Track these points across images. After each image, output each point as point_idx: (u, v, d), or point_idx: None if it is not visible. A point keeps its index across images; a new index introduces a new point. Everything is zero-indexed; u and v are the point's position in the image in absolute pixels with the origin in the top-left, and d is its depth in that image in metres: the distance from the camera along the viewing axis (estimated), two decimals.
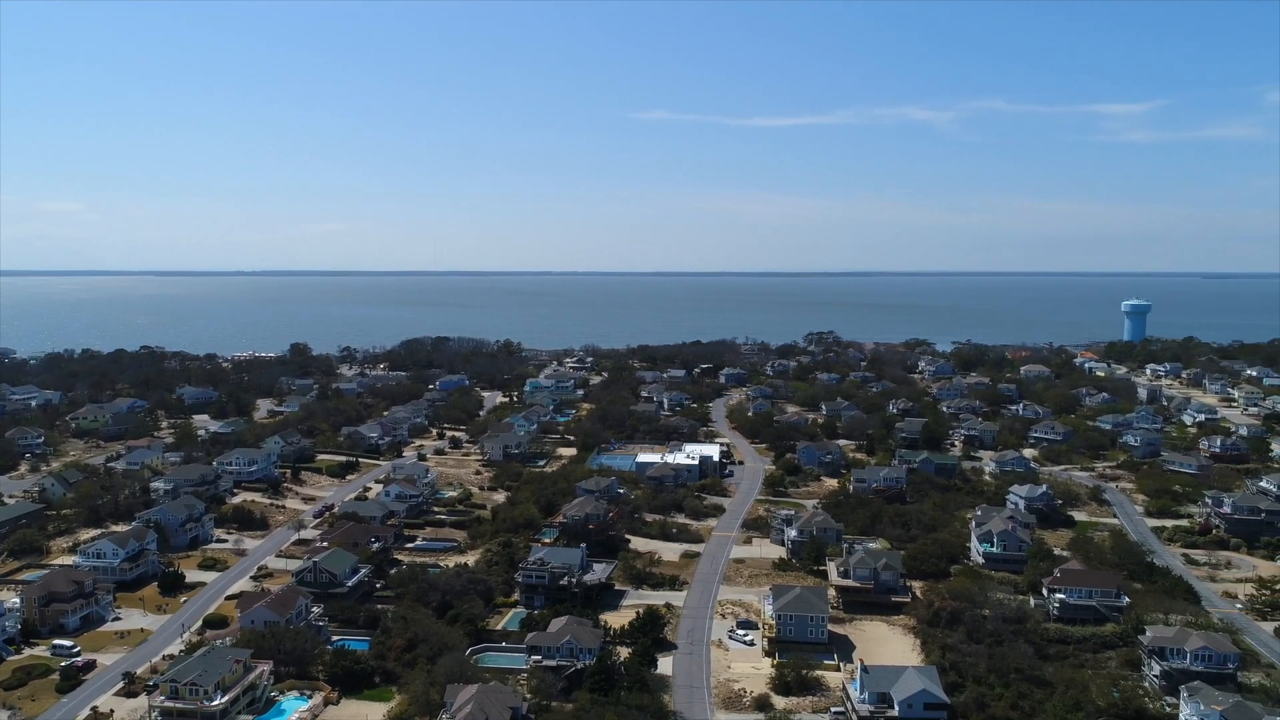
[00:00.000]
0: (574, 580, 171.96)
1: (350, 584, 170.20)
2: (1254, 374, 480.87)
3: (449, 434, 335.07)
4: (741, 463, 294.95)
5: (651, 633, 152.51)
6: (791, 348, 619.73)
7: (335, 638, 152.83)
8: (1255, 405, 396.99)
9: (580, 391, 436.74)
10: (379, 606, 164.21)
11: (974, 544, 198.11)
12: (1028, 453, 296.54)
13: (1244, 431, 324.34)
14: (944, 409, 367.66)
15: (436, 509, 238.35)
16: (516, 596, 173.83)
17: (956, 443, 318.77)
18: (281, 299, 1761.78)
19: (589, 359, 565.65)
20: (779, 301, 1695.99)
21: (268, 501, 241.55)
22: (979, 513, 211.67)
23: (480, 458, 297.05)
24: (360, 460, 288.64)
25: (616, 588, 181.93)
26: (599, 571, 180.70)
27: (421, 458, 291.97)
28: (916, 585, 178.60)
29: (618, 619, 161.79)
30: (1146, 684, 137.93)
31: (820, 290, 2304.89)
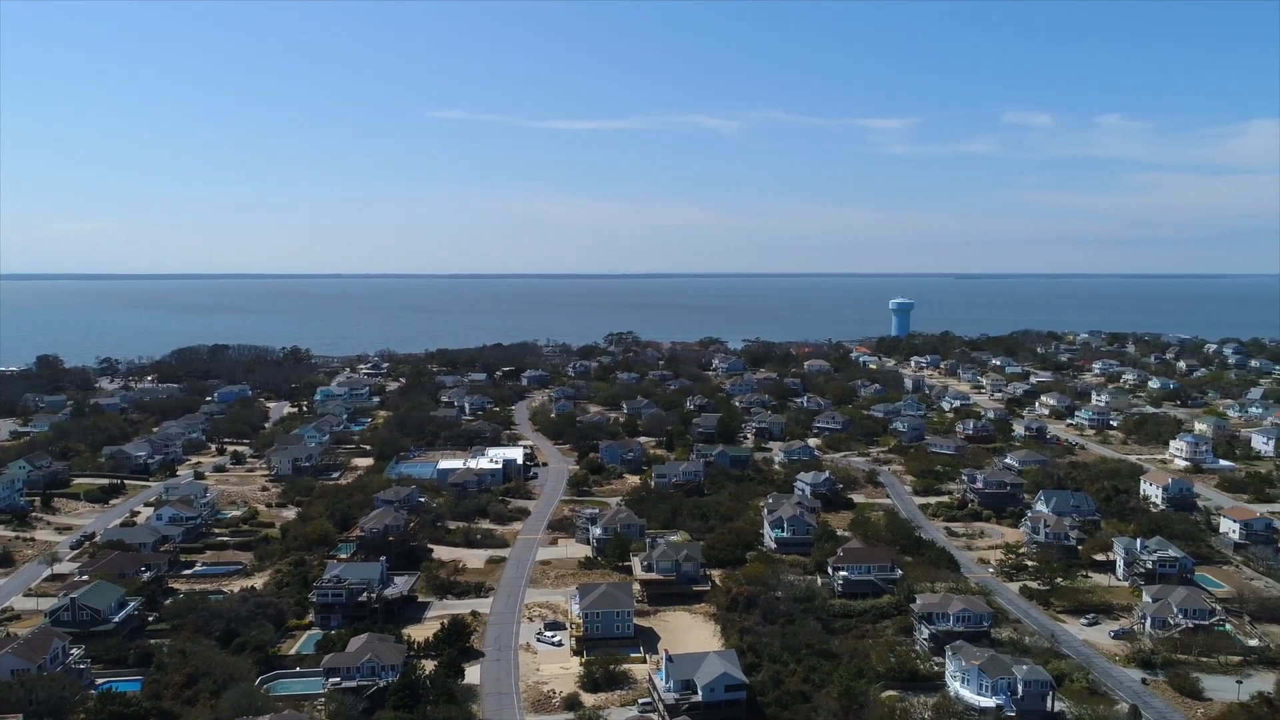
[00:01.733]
0: (374, 596, 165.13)
1: (117, 620, 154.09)
2: (998, 363, 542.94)
3: (230, 449, 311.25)
4: (545, 464, 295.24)
5: (457, 643, 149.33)
6: (592, 348, 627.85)
7: (101, 681, 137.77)
8: (1000, 391, 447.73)
9: (376, 399, 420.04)
10: (153, 642, 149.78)
11: (767, 530, 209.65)
12: (812, 442, 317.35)
13: (991, 415, 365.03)
14: (737, 404, 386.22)
15: (218, 531, 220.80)
16: (311, 618, 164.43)
17: (749, 435, 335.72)
18: (29, 306, 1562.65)
19: (385, 364, 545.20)
20: (580, 303, 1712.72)
21: (12, 534, 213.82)
22: (770, 500, 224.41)
23: (267, 473, 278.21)
24: (126, 482, 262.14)
25: (420, 599, 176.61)
26: (401, 584, 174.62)
27: (199, 476, 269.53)
28: (716, 573, 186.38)
29: (422, 632, 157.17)
30: (918, 647, 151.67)
31: (620, 292, 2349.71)
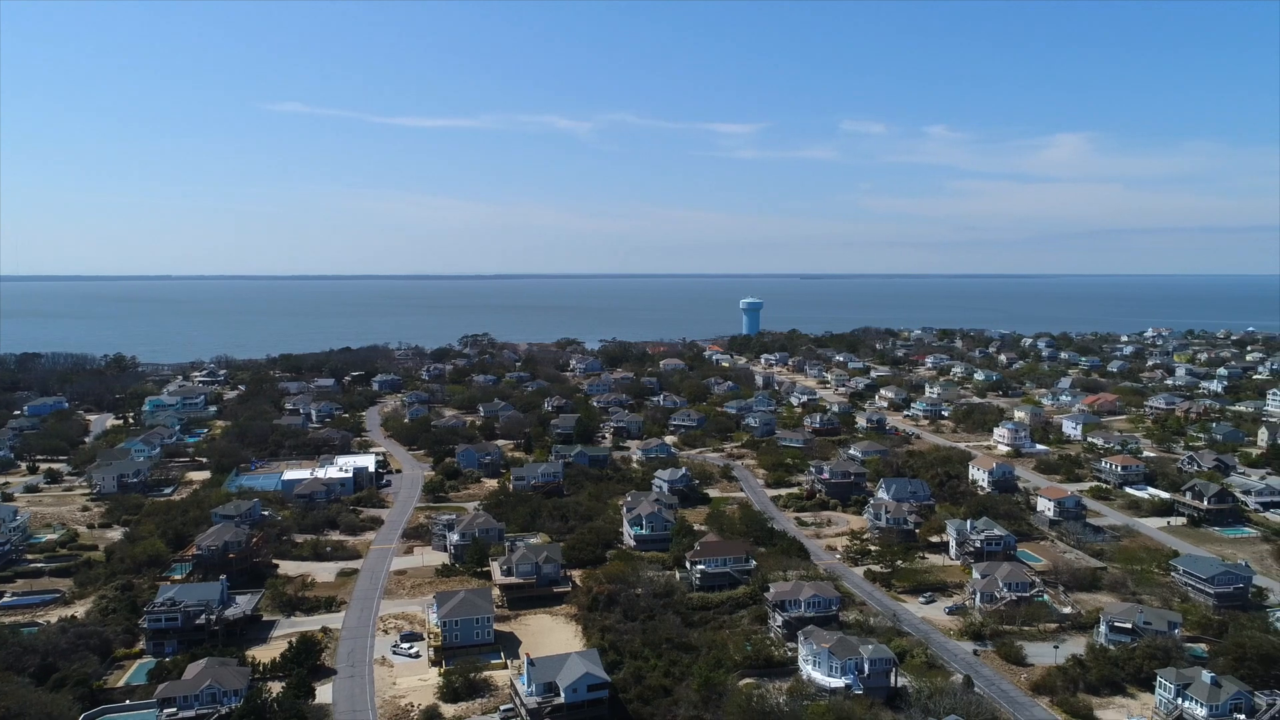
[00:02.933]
0: (213, 617, 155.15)
1: None
2: (841, 359, 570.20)
3: (45, 467, 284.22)
4: (399, 471, 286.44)
5: (307, 661, 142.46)
6: (447, 351, 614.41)
7: None
8: (844, 386, 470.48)
9: (213, 408, 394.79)
10: None
11: (626, 528, 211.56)
12: (669, 439, 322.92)
13: (836, 408, 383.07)
14: (595, 404, 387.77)
15: (30, 557, 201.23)
16: (143, 645, 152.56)
17: (607, 435, 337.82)
18: None
19: (222, 371, 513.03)
20: (433, 305, 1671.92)
21: None
22: (629, 498, 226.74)
23: (88, 491, 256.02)
24: None
25: (265, 619, 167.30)
26: (243, 604, 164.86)
27: (7, 498, 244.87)
28: (577, 574, 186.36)
29: (268, 652, 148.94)
30: (772, 634, 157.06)
31: (474, 293, 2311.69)
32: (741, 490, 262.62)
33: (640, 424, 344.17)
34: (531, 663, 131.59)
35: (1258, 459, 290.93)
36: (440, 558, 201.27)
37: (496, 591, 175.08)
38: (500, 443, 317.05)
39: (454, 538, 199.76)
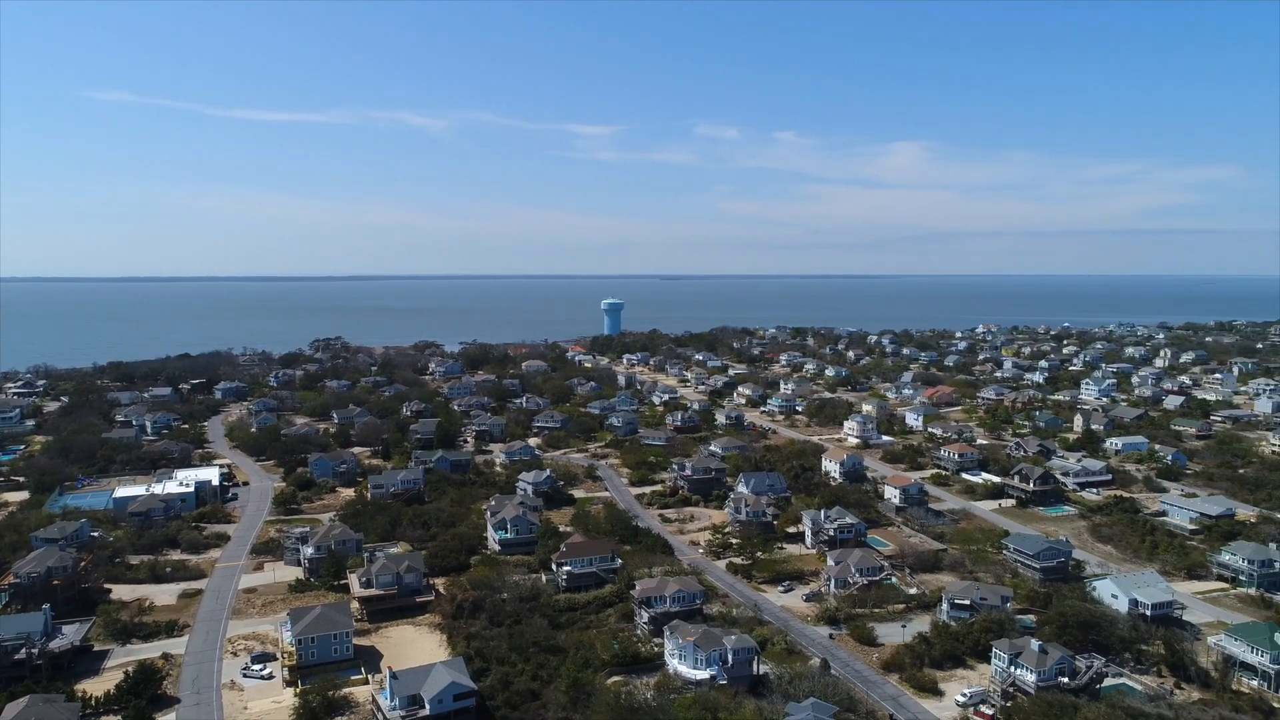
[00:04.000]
0: (35, 651, 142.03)
1: None
2: (701, 358, 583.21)
3: None
4: (247, 483, 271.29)
5: (145, 691, 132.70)
6: (297, 356, 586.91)
7: None
8: (703, 384, 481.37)
9: (30, 422, 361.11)
10: None
11: (490, 533, 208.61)
12: (533, 441, 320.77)
13: (697, 406, 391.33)
14: (455, 407, 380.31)
15: None
16: None
17: (469, 438, 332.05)
18: None
19: (40, 382, 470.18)
20: (281, 308, 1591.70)
21: None
22: (493, 503, 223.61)
23: None
24: None
25: (97, 648, 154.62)
26: (71, 634, 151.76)
27: None
28: (440, 582, 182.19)
29: (101, 685, 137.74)
30: (639, 631, 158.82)
31: (325, 295, 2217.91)
32: (606, 490, 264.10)
33: (503, 426, 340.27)
34: (394, 676, 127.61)
35: (1074, 443, 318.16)
36: (294, 573, 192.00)
37: (356, 605, 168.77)
38: (356, 450, 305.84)
39: (308, 551, 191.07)
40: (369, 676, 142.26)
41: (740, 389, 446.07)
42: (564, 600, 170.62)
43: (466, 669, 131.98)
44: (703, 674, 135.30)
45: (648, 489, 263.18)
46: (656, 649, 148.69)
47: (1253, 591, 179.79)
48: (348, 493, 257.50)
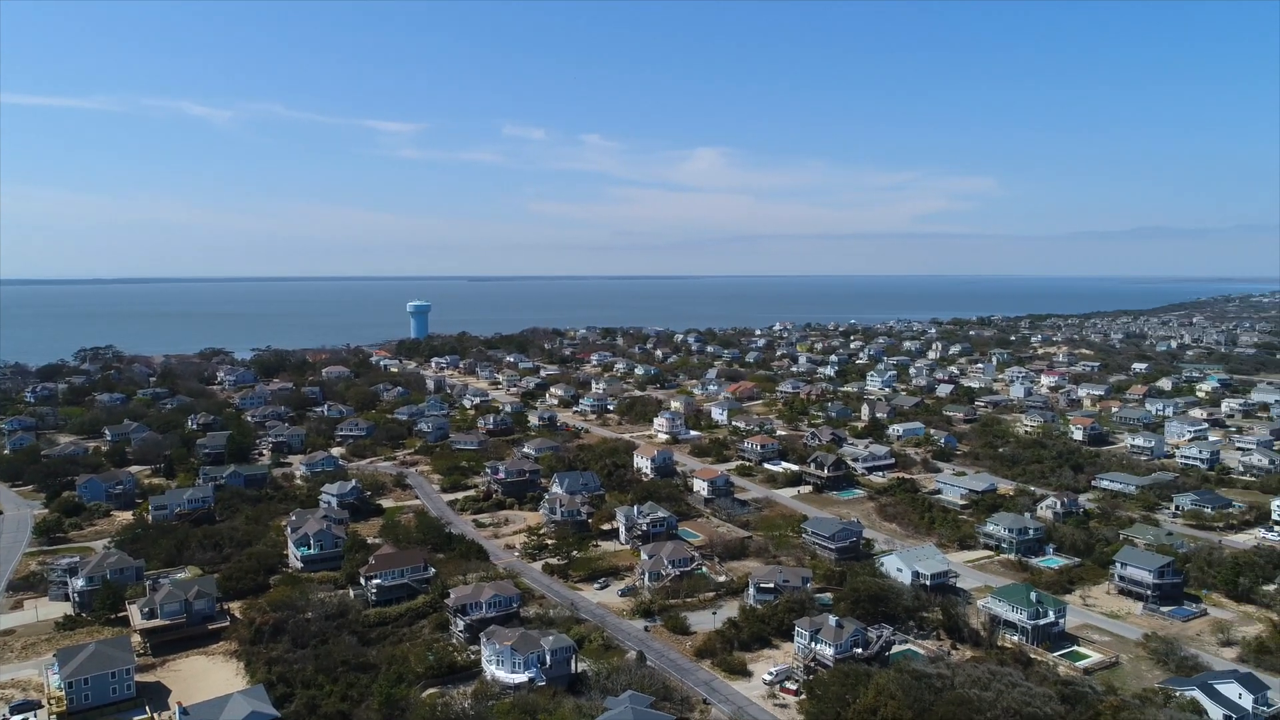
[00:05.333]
0: None
1: None
2: (512, 360, 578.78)
3: None
4: (1, 512, 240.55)
5: None
6: (59, 368, 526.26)
7: None
8: (515, 386, 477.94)
9: None
10: None
11: (292, 550, 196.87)
12: (336, 451, 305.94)
13: (509, 408, 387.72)
14: (249, 418, 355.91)
15: None
16: None
17: (265, 451, 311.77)
18: None
19: None
20: (38, 314, 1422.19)
21: None
22: (294, 518, 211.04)
23: None
24: None
25: None
26: None
27: None
28: (236, 606, 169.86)
29: None
30: (454, 640, 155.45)
31: (93, 299, 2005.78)
32: (417, 498, 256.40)
33: (303, 437, 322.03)
34: (184, 711, 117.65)
35: (862, 431, 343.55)
36: (62, 608, 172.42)
37: (137, 638, 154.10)
38: (135, 469, 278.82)
39: (78, 583, 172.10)
40: (155, 716, 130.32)
41: (552, 390, 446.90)
42: (374, 615, 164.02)
43: (268, 696, 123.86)
44: (521, 677, 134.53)
45: (460, 494, 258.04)
46: (473, 656, 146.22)
47: (1012, 557, 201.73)
48: (125, 516, 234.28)
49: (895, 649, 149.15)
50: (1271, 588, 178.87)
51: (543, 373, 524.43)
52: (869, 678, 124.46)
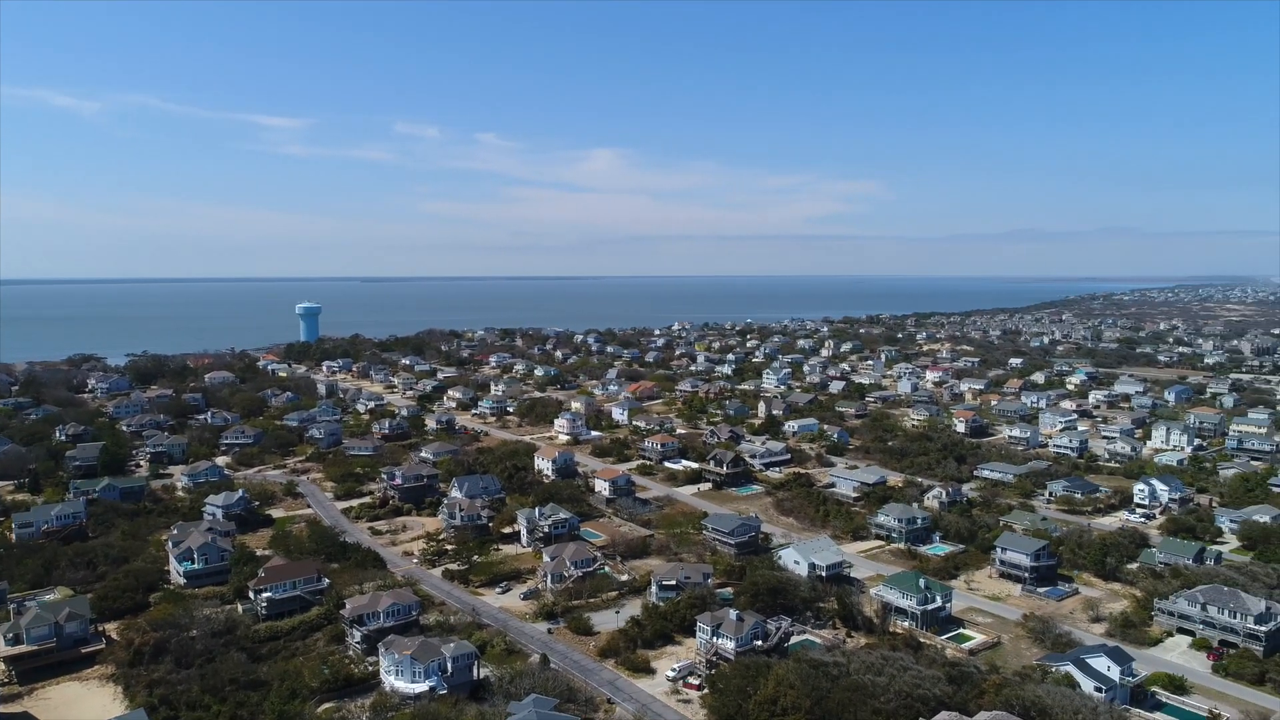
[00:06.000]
0: None
1: None
2: (408, 362, 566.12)
3: None
4: None
5: None
6: None
7: None
8: (412, 389, 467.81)
9: None
10: None
11: (174, 565, 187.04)
12: (221, 460, 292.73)
13: (405, 412, 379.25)
14: (124, 428, 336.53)
15: None
16: None
17: (143, 462, 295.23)
18: None
19: None
20: None
21: None
22: (175, 531, 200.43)
23: None
24: None
25: None
26: None
27: None
28: (112, 627, 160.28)
29: None
30: (351, 652, 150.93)
31: None
32: (309, 507, 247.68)
33: (184, 446, 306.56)
34: None
35: (759, 427, 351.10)
36: None
37: (1, 667, 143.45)
38: None
39: None
40: None
41: (450, 392, 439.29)
42: (265, 629, 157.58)
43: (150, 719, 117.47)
44: (421, 686, 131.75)
45: (355, 502, 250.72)
46: (371, 668, 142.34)
47: (902, 546, 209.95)
48: None
49: (794, 639, 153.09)
50: (1134, 566, 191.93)
51: (440, 375, 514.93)
52: (769, 669, 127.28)
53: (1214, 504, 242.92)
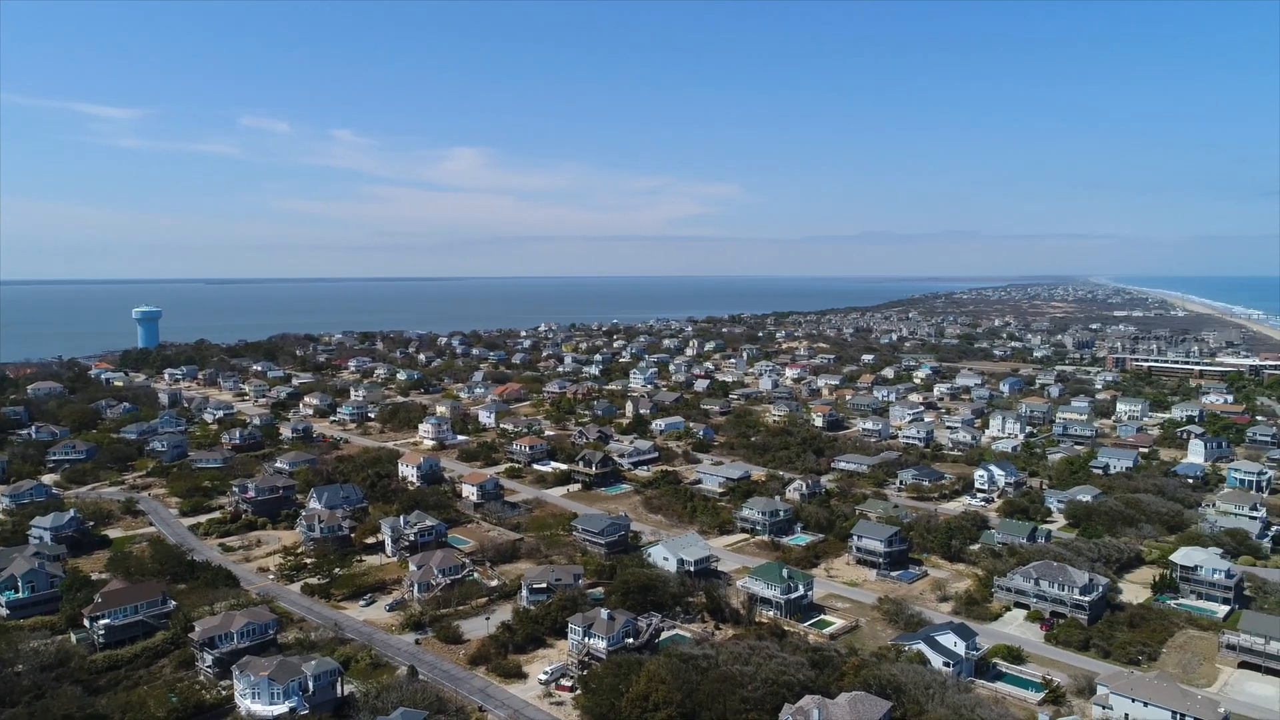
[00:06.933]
0: None
1: None
2: (260, 369, 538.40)
3: None
4: None
5: None
6: None
7: None
8: (264, 396, 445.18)
9: None
10: None
11: None
12: (49, 478, 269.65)
13: (258, 421, 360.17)
14: None
15: None
16: None
17: None
18: None
19: None
20: None
21: None
22: None
23: None
24: None
25: None
26: None
27: None
28: None
29: None
30: (202, 677, 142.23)
31: None
32: (152, 524, 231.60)
33: (5, 464, 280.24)
34: None
35: (627, 427, 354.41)
36: None
37: None
38: None
39: None
40: None
41: (307, 399, 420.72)
42: (103, 659, 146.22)
43: None
44: (281, 708, 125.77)
45: (204, 517, 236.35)
46: (225, 692, 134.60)
47: (766, 538, 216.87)
48: None
49: (665, 635, 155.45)
50: (976, 547, 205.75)
51: (295, 381, 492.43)
52: (640, 666, 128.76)
53: (1044, 486, 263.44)
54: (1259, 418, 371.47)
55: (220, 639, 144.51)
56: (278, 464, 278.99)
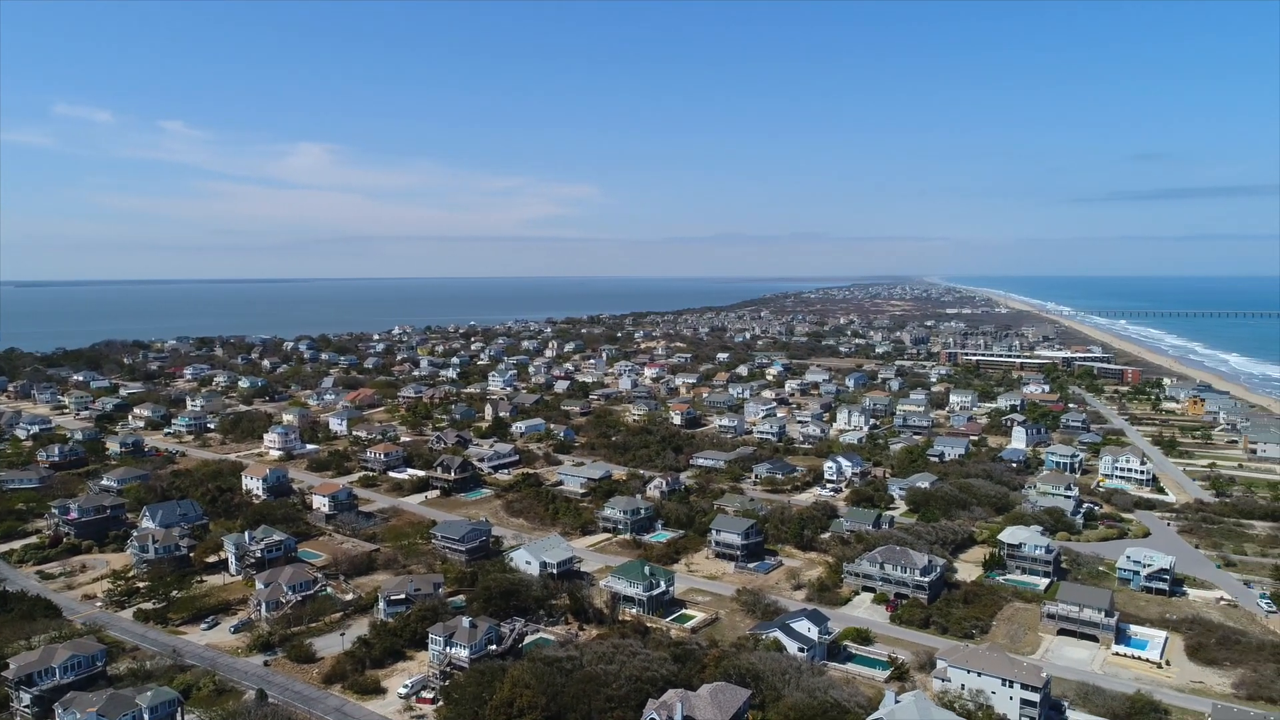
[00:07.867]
0: None
1: None
2: (81, 379, 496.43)
3: None
4: None
5: None
6: None
7: None
8: (87, 409, 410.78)
9: None
10: None
11: None
12: None
13: (81, 435, 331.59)
14: None
15: None
16: None
17: None
18: None
19: None
20: None
21: None
22: None
23: None
24: None
25: None
26: None
27: None
28: None
29: None
30: (19, 718, 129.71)
31: None
32: None
33: None
34: None
35: (487, 430, 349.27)
36: None
37: None
38: None
39: None
40: None
41: (137, 410, 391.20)
42: None
43: None
44: None
45: (18, 543, 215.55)
46: None
47: (628, 536, 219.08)
48: None
49: (529, 639, 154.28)
50: (827, 535, 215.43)
51: (123, 392, 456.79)
52: (504, 672, 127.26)
53: (887, 475, 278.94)
54: (1071, 405, 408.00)
55: (40, 675, 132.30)
56: (104, 481, 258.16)
